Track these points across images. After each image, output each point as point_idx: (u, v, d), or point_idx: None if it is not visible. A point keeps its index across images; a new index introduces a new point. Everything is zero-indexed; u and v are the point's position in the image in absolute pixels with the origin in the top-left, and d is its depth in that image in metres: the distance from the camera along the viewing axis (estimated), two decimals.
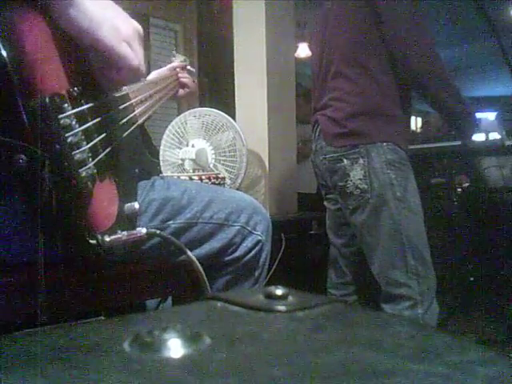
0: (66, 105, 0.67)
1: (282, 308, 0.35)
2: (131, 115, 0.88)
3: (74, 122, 0.67)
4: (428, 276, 1.54)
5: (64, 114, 0.66)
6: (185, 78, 1.35)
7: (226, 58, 2.92)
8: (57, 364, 0.27)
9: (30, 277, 0.77)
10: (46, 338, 0.31)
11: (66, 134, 0.66)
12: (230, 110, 2.46)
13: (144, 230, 0.77)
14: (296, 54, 3.49)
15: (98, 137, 0.72)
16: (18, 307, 0.78)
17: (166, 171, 2.19)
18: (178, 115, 2.31)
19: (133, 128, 0.87)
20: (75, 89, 0.69)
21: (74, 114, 0.68)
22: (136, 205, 0.79)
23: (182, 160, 2.17)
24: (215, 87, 3.51)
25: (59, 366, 0.26)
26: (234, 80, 2.63)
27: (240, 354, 0.28)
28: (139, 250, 0.85)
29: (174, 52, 1.41)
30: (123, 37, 0.73)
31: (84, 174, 0.68)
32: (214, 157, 2.17)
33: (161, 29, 3.43)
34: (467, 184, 2.74)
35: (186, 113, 2.22)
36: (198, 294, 0.99)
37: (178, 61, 1.36)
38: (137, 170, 0.88)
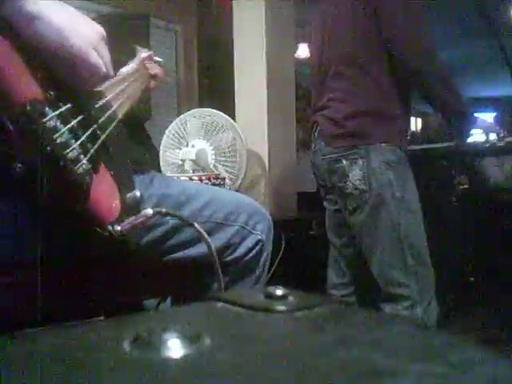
0: (46, 108, 0.68)
1: (282, 308, 0.35)
2: (110, 111, 0.89)
3: (58, 123, 0.69)
4: (427, 276, 1.54)
5: (47, 117, 0.67)
6: (153, 68, 1.36)
7: (226, 59, 2.92)
8: (57, 364, 0.27)
9: (30, 277, 0.77)
10: (46, 338, 0.31)
11: (54, 136, 0.67)
12: (229, 110, 2.46)
13: (150, 211, 0.78)
14: (296, 54, 3.49)
15: (83, 134, 0.74)
16: (18, 307, 0.78)
17: (166, 172, 2.19)
18: (178, 116, 2.31)
19: (115, 123, 0.88)
20: (51, 94, 0.70)
21: (56, 115, 0.69)
22: (137, 192, 0.80)
23: (182, 160, 2.17)
24: (215, 87, 3.50)
25: (59, 366, 0.26)
26: (233, 80, 2.63)
27: (240, 354, 0.28)
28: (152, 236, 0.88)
29: (136, 46, 1.42)
30: (92, 43, 0.74)
31: (80, 170, 0.70)
32: (214, 157, 2.17)
33: (161, 29, 3.43)
34: (467, 184, 2.74)
35: (186, 113, 2.23)
36: (198, 294, 0.99)
37: (142, 54, 1.37)
38: (128, 161, 0.89)
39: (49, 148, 0.66)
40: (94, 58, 0.74)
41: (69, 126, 0.70)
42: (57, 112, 0.69)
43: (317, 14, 1.80)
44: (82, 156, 0.71)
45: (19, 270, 0.78)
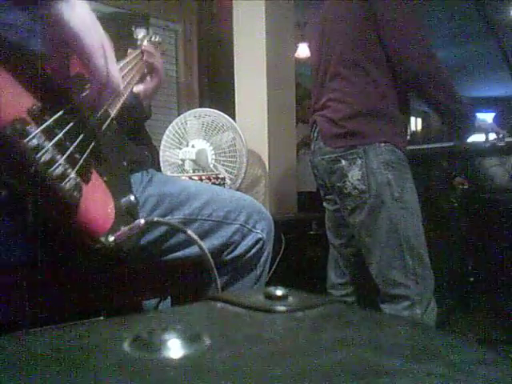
0: (28, 127, 0.64)
1: (281, 308, 0.35)
2: (102, 110, 0.86)
3: (41, 141, 0.65)
4: (426, 276, 1.54)
5: (29, 137, 0.63)
6: (151, 59, 1.15)
7: (226, 58, 2.92)
8: (57, 364, 0.27)
9: (30, 277, 0.77)
10: (46, 338, 0.31)
11: (37, 155, 0.64)
12: (229, 110, 2.46)
13: (142, 221, 0.77)
14: (296, 54, 3.49)
15: (71, 145, 0.70)
16: (18, 307, 0.78)
17: (166, 171, 2.19)
18: (178, 115, 2.31)
19: (108, 122, 0.86)
20: (34, 107, 0.66)
21: (40, 132, 0.65)
22: (132, 197, 0.79)
23: (182, 160, 2.17)
24: (215, 87, 3.51)
25: (59, 366, 0.26)
26: (234, 80, 2.63)
27: (240, 354, 0.28)
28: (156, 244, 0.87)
29: (134, 29, 1.25)
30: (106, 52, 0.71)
31: (68, 186, 0.67)
32: (214, 157, 2.17)
33: (161, 29, 3.43)
34: (467, 184, 2.74)
35: (186, 113, 2.23)
36: (197, 294, 0.99)
37: (140, 34, 1.21)
38: (125, 163, 0.87)
39: (32, 169, 0.63)
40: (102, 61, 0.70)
41: (54, 140, 0.67)
42: (40, 129, 0.65)
43: (316, 14, 1.80)
44: (69, 170, 0.68)
45: (18, 270, 0.78)
